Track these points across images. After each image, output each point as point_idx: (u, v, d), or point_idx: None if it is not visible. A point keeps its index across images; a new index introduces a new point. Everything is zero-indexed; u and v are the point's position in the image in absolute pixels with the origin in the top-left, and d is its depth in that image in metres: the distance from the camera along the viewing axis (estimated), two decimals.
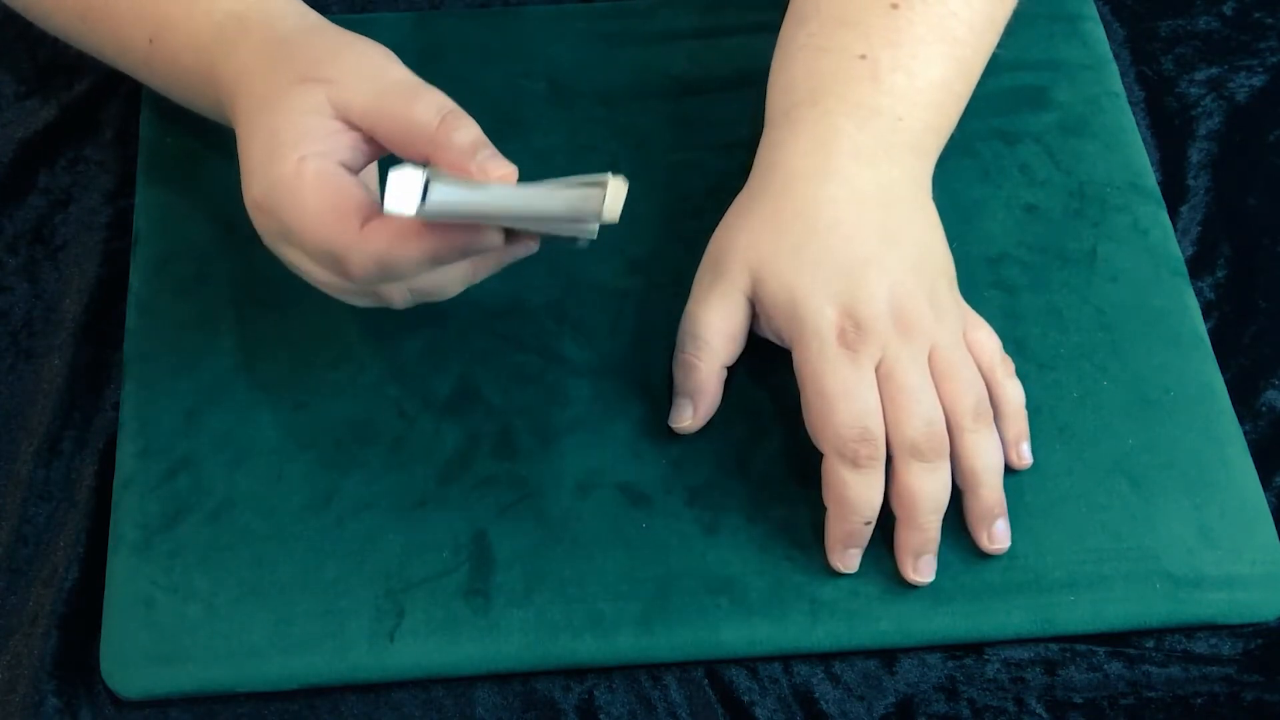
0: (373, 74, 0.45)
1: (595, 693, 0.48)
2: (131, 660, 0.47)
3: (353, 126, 0.44)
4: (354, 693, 0.48)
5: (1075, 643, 0.49)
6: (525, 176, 0.52)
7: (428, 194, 0.39)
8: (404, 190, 0.39)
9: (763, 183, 0.51)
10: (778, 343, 0.50)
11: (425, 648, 0.47)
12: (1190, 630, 0.50)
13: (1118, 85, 0.60)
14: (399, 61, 0.46)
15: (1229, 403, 0.53)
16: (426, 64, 0.60)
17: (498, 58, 0.60)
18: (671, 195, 0.57)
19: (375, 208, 0.43)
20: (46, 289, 0.55)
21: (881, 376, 0.47)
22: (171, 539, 0.49)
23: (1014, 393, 0.50)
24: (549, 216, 0.41)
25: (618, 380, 0.52)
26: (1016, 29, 0.56)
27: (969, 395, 0.48)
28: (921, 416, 0.47)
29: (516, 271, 0.48)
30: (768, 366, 0.52)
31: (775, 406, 0.52)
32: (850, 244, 0.48)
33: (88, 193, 0.58)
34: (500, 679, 0.48)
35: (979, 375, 0.49)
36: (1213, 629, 0.50)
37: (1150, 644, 0.49)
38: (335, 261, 0.43)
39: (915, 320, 0.48)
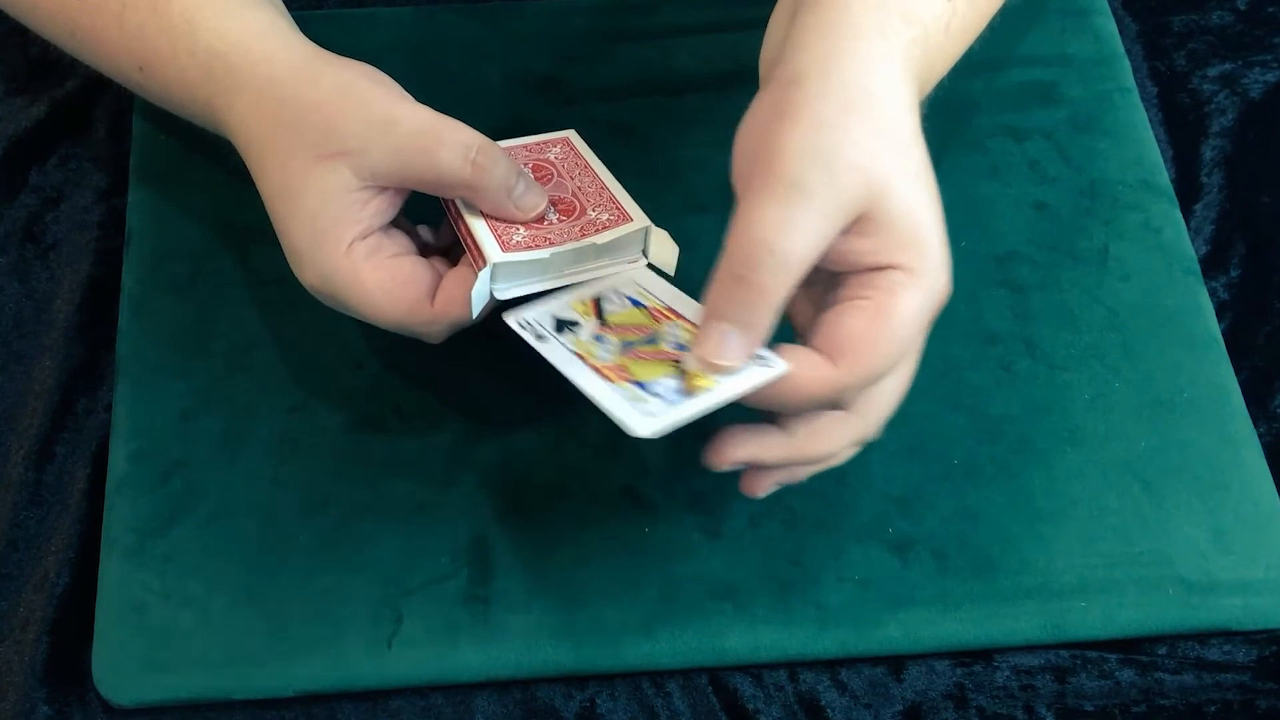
0: (385, 129, 0.45)
1: (597, 700, 0.48)
2: (124, 667, 0.47)
3: (382, 187, 0.45)
4: (351, 700, 0.47)
5: (1086, 649, 0.49)
6: None
7: (496, 290, 0.45)
8: (481, 296, 0.45)
9: (852, 85, 0.41)
10: (833, 265, 0.41)
11: (424, 655, 0.47)
12: (1204, 636, 0.49)
13: (1129, 81, 0.60)
14: (400, 94, 0.46)
15: (1243, 404, 0.53)
16: (425, 60, 0.60)
17: (497, 54, 0.60)
18: (673, 193, 0.56)
19: (433, 275, 0.46)
20: (38, 288, 0.55)
21: None
22: (165, 543, 0.49)
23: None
24: (598, 275, 0.46)
25: None
26: (1026, 23, 0.55)
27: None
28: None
29: None
30: None
31: None
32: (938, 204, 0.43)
33: (79, 190, 0.57)
34: (500, 686, 0.48)
35: None
36: (1227, 635, 0.49)
37: (1163, 650, 0.49)
38: (412, 334, 0.47)
39: None
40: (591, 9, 0.61)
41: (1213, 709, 0.48)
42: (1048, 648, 0.49)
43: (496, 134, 0.57)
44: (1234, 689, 0.48)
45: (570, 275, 0.46)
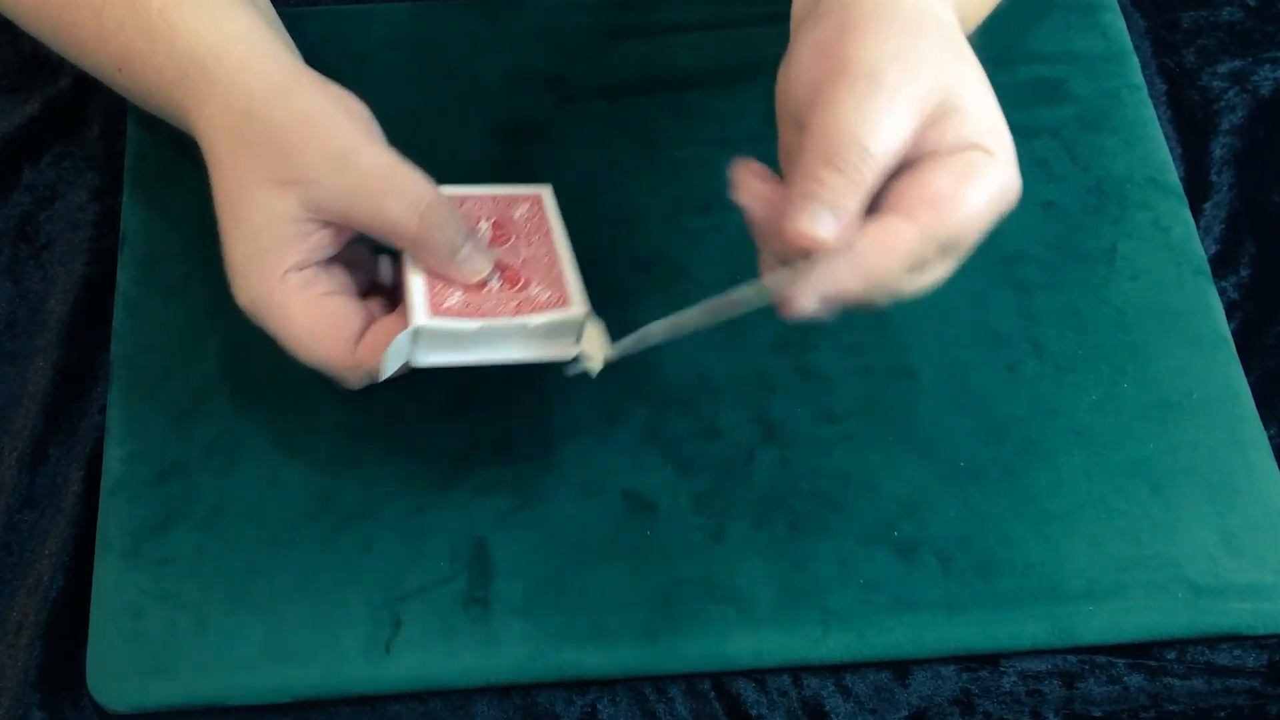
0: (340, 164, 0.44)
1: (598, 705, 0.47)
2: (119, 672, 0.46)
3: (327, 222, 0.45)
4: (349, 705, 0.47)
5: (1094, 654, 0.49)
6: (526, 176, 0.51)
7: (416, 355, 0.44)
8: (397, 357, 0.44)
9: (914, 7, 0.43)
10: (913, 153, 0.42)
11: (423, 659, 0.47)
12: (1213, 641, 0.49)
13: (1138, 78, 0.59)
14: (368, 130, 0.46)
15: (1253, 406, 0.52)
16: (423, 57, 0.59)
17: (497, 51, 0.59)
18: (675, 191, 0.56)
19: (364, 319, 0.46)
20: (31, 288, 0.55)
21: None
22: (161, 546, 0.48)
23: None
24: (525, 362, 0.46)
25: (621, 382, 0.51)
26: (1033, 20, 0.55)
27: None
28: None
29: None
30: (773, 368, 0.51)
31: (781, 410, 0.51)
32: None
33: (74, 189, 0.57)
34: (500, 691, 0.47)
35: None
36: (1236, 640, 0.49)
37: (1172, 655, 0.49)
38: (329, 374, 0.46)
39: None
40: (592, 5, 0.61)
41: (1222, 714, 0.48)
42: (1055, 652, 0.48)
43: (496, 133, 0.56)
44: (1244, 694, 0.48)
45: (495, 354, 0.45)
